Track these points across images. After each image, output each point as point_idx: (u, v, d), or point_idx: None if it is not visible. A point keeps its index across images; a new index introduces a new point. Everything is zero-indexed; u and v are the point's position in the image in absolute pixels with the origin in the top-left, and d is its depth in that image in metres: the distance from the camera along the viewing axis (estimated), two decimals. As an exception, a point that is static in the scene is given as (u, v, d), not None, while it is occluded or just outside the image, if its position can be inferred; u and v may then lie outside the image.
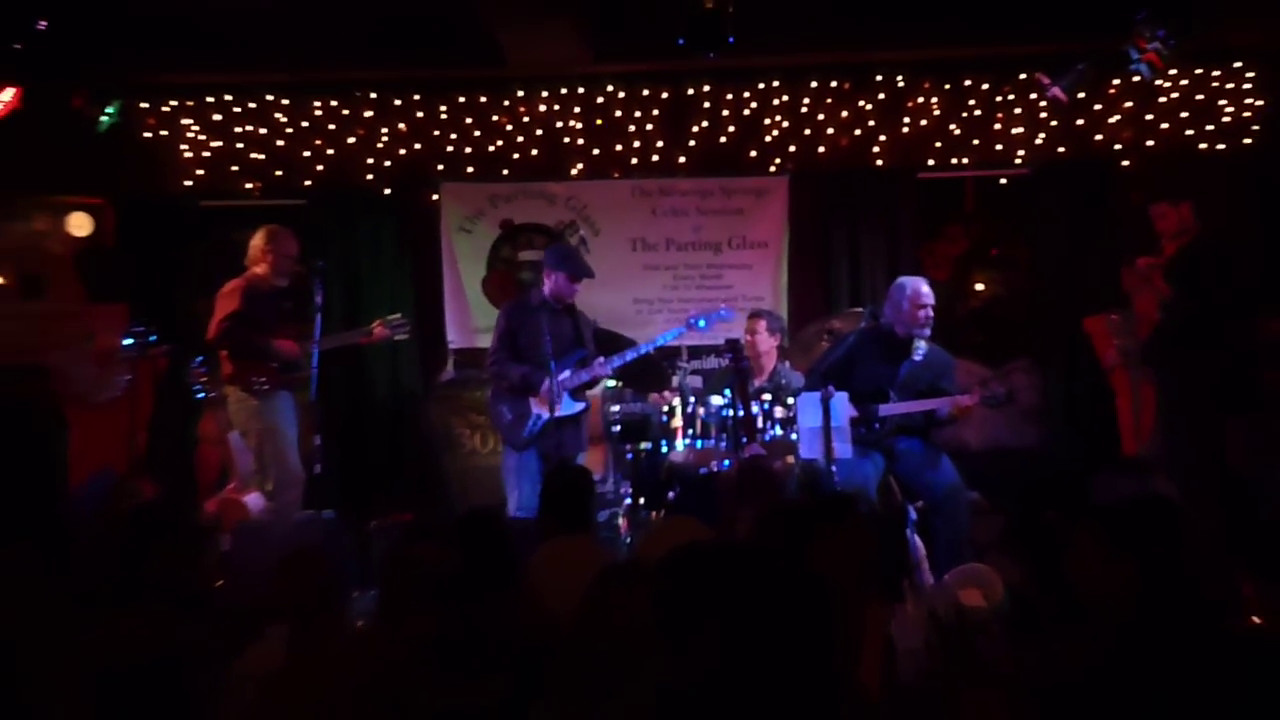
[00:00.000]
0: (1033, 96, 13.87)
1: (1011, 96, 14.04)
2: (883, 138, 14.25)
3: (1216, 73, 13.82)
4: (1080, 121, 13.98)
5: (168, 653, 4.79)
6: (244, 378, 12.04)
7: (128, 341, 12.65)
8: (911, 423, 11.75)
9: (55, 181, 14.34)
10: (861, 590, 6.26)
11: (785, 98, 14.23)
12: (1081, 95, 13.42)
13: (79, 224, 14.40)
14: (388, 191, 14.71)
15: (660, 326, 13.49)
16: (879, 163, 14.33)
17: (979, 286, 15.34)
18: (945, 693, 6.13)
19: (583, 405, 12.09)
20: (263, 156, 14.54)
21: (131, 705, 4.55)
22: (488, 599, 6.29)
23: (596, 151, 14.52)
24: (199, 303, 13.10)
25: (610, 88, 14.27)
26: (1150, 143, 13.96)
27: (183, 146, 14.51)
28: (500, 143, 14.49)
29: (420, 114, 14.42)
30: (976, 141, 14.18)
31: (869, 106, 14.21)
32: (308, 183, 14.62)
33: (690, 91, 14.24)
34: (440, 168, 14.59)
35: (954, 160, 14.30)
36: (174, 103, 14.41)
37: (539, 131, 14.46)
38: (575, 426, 12.09)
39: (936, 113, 14.17)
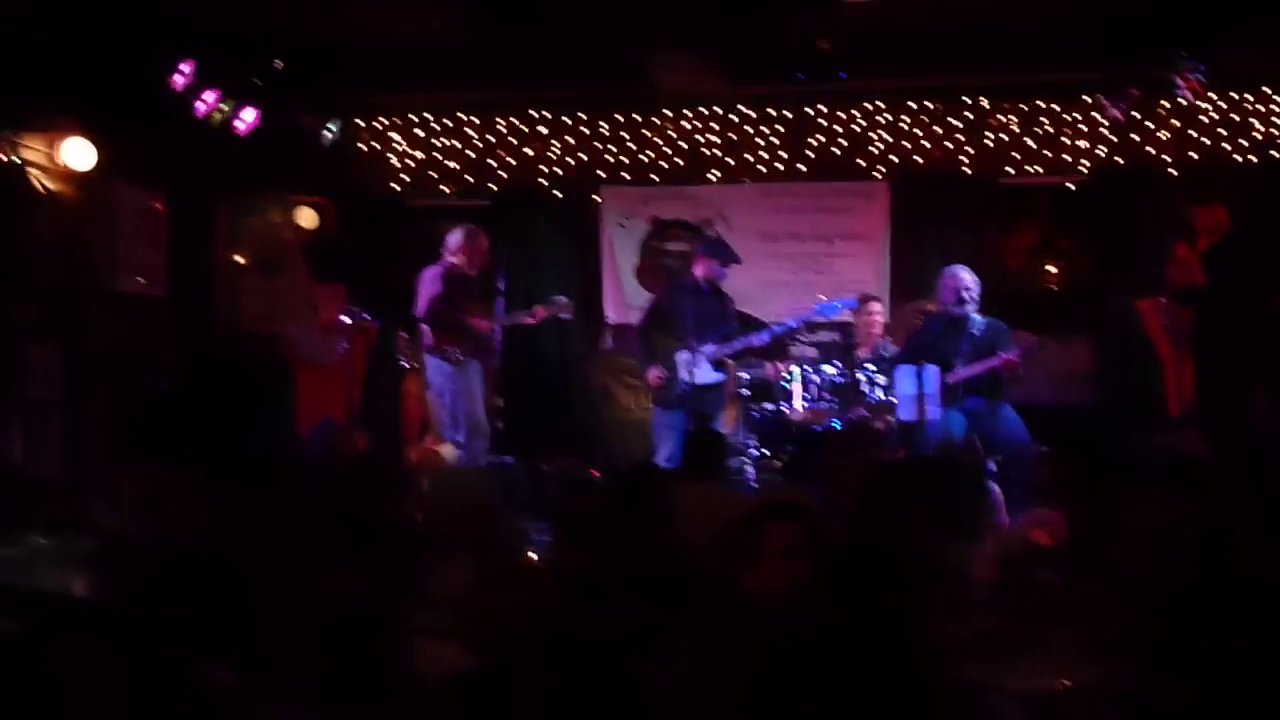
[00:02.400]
0: (1094, 115, 13.78)
1: (1077, 116, 13.95)
2: (969, 150, 14.15)
3: (1248, 96, 13.70)
4: (1134, 137, 13.82)
5: (377, 602, 4.86)
6: (442, 348, 12.20)
7: (345, 316, 12.78)
8: (980, 384, 11.72)
9: (288, 184, 14.50)
10: (939, 535, 6.25)
11: (887, 116, 14.26)
12: (1135, 115, 13.34)
13: (306, 217, 14.55)
14: (559, 194, 14.77)
15: (782, 304, 13.55)
16: (966, 171, 14.23)
17: (1049, 272, 15.20)
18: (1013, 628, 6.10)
19: (722, 376, 12.14)
20: (456, 165, 14.67)
21: (347, 647, 4.62)
22: (637, 540, 6.33)
23: (731, 161, 14.50)
24: (405, 284, 13.22)
25: (742, 108, 14.36)
26: (1193, 155, 13.81)
27: (391, 156, 14.69)
28: (651, 154, 14.54)
29: (585, 130, 14.55)
30: (1048, 153, 14.06)
31: (957, 124, 14.16)
32: (493, 186, 14.71)
33: (808, 111, 14.29)
34: (601, 174, 14.63)
35: (1029, 169, 14.18)
36: (384, 120, 14.64)
37: (683, 144, 14.51)
38: (717, 392, 12.18)
39: (1014, 129, 14.08)
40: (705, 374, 12.05)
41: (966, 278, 11.87)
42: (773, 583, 4.99)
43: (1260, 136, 13.70)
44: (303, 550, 6.10)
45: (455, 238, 12.48)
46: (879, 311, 13.05)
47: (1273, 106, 13.72)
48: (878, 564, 4.69)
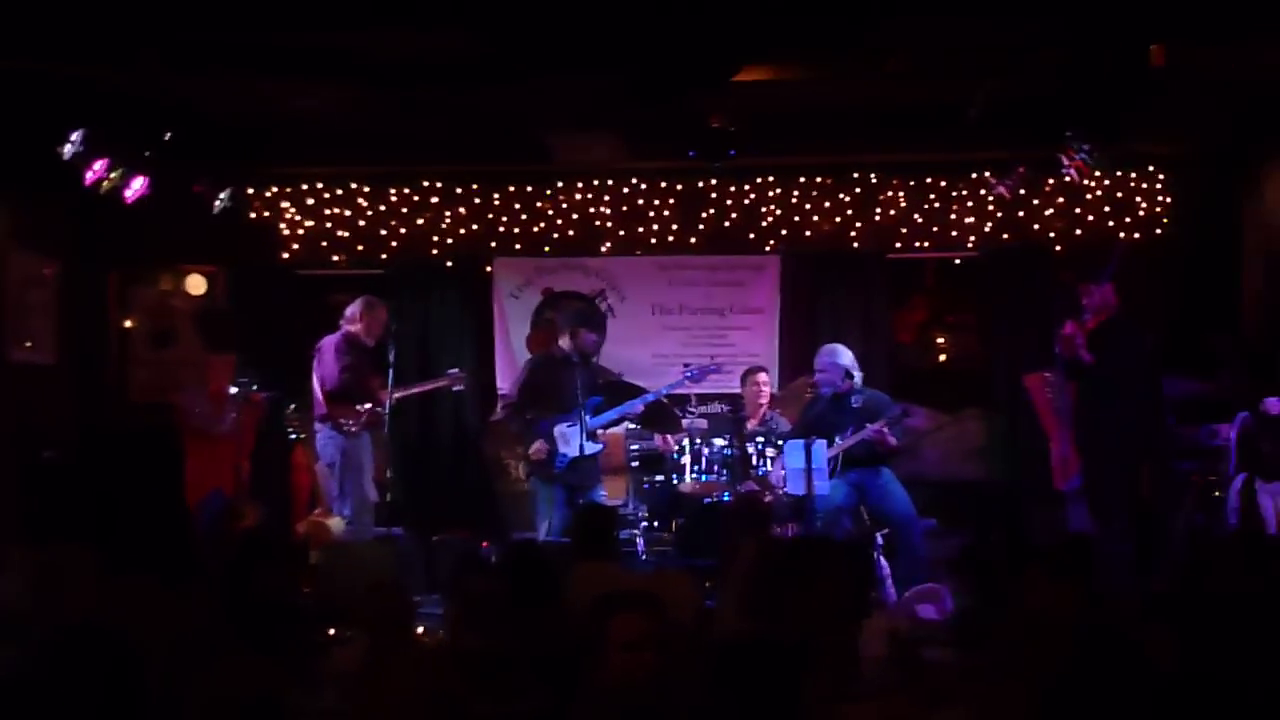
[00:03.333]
0: (982, 193, 14.00)
1: (965, 192, 14.16)
2: (859, 225, 14.29)
3: (1134, 175, 13.97)
4: (1021, 214, 14.06)
5: (270, 691, 4.85)
6: (335, 419, 12.16)
7: (234, 389, 12.71)
8: (859, 455, 11.88)
9: (178, 253, 14.45)
10: (831, 615, 6.29)
11: (778, 190, 14.40)
12: (1022, 192, 13.56)
13: (195, 284, 14.52)
14: (451, 264, 14.77)
15: (675, 376, 13.59)
16: (855, 245, 14.36)
17: (938, 346, 15.37)
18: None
19: (599, 447, 12.18)
20: (348, 234, 14.62)
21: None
22: (529, 621, 6.33)
23: (624, 233, 14.57)
24: (295, 354, 13.18)
25: (636, 181, 14.48)
26: (1079, 232, 14.05)
27: (282, 225, 14.62)
28: (543, 224, 14.58)
29: (478, 200, 14.57)
30: (936, 229, 14.24)
31: (847, 199, 14.32)
32: (385, 256, 14.67)
33: (701, 185, 14.42)
34: (494, 244, 14.63)
35: (917, 244, 14.35)
36: (275, 189, 14.56)
37: (576, 216, 14.57)
38: (593, 463, 12.18)
39: (903, 205, 14.25)
40: (583, 445, 12.09)
41: (843, 359, 12.06)
42: (618, 676, 4.98)
43: (1144, 214, 13.96)
44: (195, 633, 6.07)
45: (354, 308, 12.48)
46: (765, 383, 13.15)
47: (1157, 185, 13.99)
48: (767, 658, 4.73)
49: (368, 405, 12.20)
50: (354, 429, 12.18)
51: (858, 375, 12.04)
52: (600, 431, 12.35)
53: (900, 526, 11.70)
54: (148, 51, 10.46)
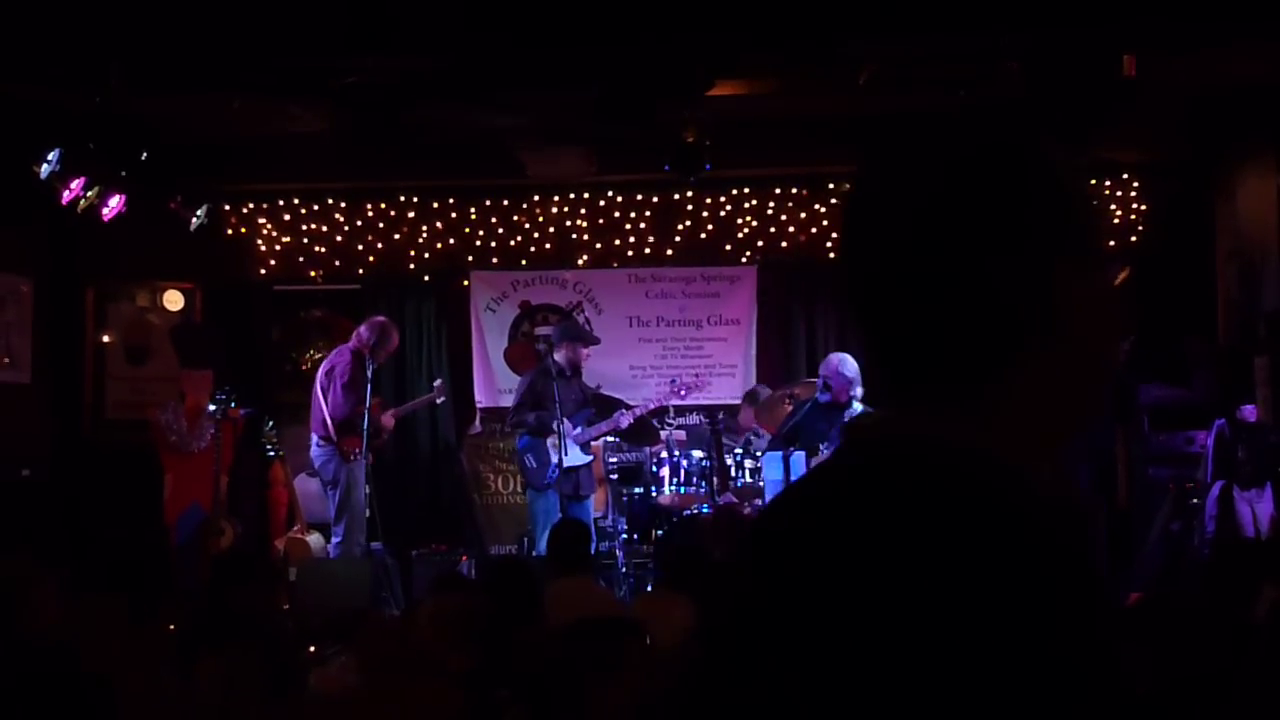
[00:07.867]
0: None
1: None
2: (834, 235, 14.29)
3: (1108, 182, 13.98)
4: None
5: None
6: (345, 448, 12.19)
7: (212, 406, 12.67)
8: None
9: (154, 269, 14.40)
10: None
11: (754, 202, 14.43)
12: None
13: (172, 299, 14.48)
14: (427, 278, 14.78)
15: (651, 388, 13.67)
16: (831, 256, 14.35)
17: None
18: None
19: (590, 457, 12.23)
20: (324, 249, 14.63)
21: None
22: (512, 637, 6.31)
23: (599, 245, 14.61)
24: (272, 370, 13.17)
25: (611, 194, 14.48)
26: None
27: (259, 241, 14.62)
28: (520, 238, 14.60)
29: (454, 215, 14.56)
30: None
31: (821, 209, 14.35)
32: (361, 271, 14.69)
33: (676, 197, 14.43)
34: (470, 258, 14.65)
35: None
36: (252, 205, 14.54)
37: (552, 229, 14.58)
38: (587, 472, 12.27)
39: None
40: (573, 456, 12.15)
41: (849, 371, 11.97)
42: (592, 706, 4.91)
43: (1118, 221, 13.97)
44: (166, 656, 6.04)
45: (366, 330, 12.48)
46: (748, 409, 13.25)
47: (1131, 192, 14.01)
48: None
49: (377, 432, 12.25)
50: (357, 455, 12.20)
51: (859, 390, 11.97)
52: (592, 443, 12.45)
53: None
54: (119, 75, 10.45)
